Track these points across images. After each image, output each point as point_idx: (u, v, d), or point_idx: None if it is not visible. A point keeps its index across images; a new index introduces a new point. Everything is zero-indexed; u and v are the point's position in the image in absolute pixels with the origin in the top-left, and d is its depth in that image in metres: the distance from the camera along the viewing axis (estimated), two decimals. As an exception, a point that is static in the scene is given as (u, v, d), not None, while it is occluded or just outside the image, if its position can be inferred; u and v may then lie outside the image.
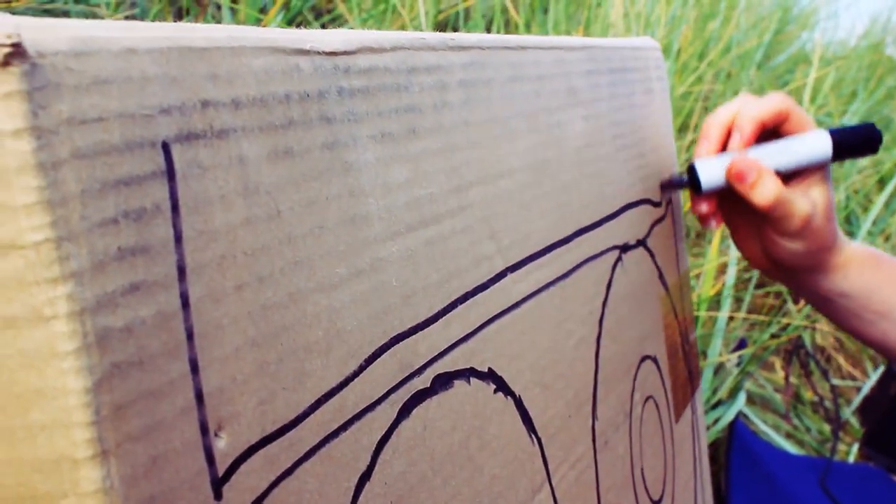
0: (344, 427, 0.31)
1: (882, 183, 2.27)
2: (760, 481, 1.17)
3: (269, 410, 0.27)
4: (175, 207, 0.24)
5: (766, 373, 1.51)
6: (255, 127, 0.28)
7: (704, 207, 0.66)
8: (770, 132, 0.66)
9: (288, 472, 0.28)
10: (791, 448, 1.35)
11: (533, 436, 0.45)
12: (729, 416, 1.27)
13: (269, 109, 0.29)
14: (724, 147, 0.66)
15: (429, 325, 0.36)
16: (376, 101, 0.34)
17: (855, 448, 1.38)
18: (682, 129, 1.88)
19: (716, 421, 1.28)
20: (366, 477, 0.32)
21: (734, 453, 1.20)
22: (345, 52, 0.33)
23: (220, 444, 0.26)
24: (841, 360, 1.65)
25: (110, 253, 0.22)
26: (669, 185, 0.69)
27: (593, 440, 0.52)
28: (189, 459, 0.24)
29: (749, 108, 0.65)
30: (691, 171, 0.65)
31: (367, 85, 0.34)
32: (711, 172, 0.64)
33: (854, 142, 0.65)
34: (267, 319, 0.28)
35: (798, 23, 3.16)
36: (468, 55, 0.41)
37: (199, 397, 0.25)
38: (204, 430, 0.25)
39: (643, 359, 0.62)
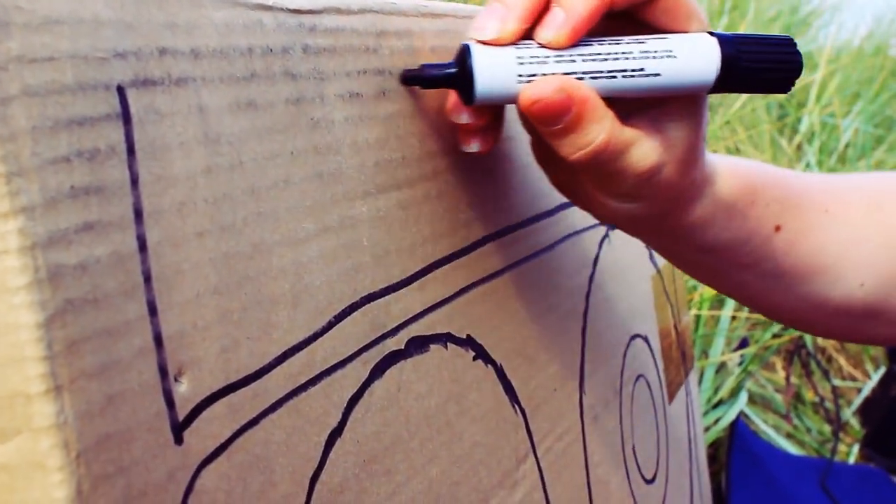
0: (312, 382, 0.31)
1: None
2: (761, 482, 1.17)
3: (232, 359, 0.27)
4: (131, 150, 0.25)
5: (767, 373, 1.51)
6: (216, 77, 0.28)
7: (466, 118, 0.39)
8: (620, 14, 0.39)
9: (253, 423, 0.28)
10: (792, 448, 1.34)
11: (516, 406, 0.45)
12: (730, 415, 1.27)
13: (231, 61, 0.29)
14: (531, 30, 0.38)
15: (402, 287, 0.36)
16: (343, 61, 0.34)
17: (855, 449, 1.37)
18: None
19: (717, 420, 1.27)
20: (336, 433, 0.32)
21: (735, 453, 1.19)
22: (310, 11, 0.33)
23: (181, 389, 0.26)
24: (842, 360, 1.64)
25: (63, 190, 0.23)
26: (418, 78, 0.38)
27: (581, 414, 0.52)
28: (147, 401, 0.24)
29: None
30: (462, 61, 0.37)
31: (334, 44, 0.34)
32: (496, 76, 0.37)
33: (758, 64, 0.40)
34: (230, 268, 0.28)
35: (803, 24, 3.15)
36: (442, 22, 0.41)
37: (158, 340, 0.25)
38: (163, 372, 0.25)
39: (633, 337, 0.62)
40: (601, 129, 0.38)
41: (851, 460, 1.35)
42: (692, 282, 1.39)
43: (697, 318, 1.33)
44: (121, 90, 0.25)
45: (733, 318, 1.44)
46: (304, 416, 0.30)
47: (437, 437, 0.38)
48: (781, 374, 1.52)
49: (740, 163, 0.49)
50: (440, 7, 0.41)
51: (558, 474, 0.49)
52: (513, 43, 0.37)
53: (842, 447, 1.38)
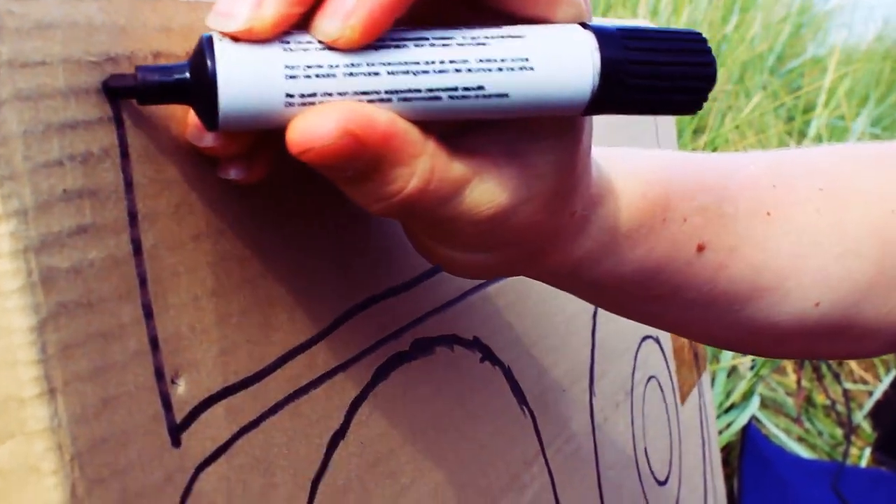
0: (314, 384, 0.31)
1: None
2: (773, 485, 1.16)
3: (231, 361, 0.27)
4: (125, 154, 0.25)
5: (778, 377, 1.50)
6: (212, 81, 0.28)
7: (211, 141, 0.26)
8: None
9: (253, 425, 0.28)
10: (803, 452, 1.33)
11: (524, 408, 0.45)
12: (742, 419, 1.26)
13: (227, 64, 0.29)
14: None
15: (407, 290, 0.36)
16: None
17: (867, 452, 1.36)
18: (696, 132, 1.87)
19: (729, 425, 1.27)
20: (339, 435, 0.32)
21: (747, 457, 1.19)
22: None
23: (178, 391, 0.26)
24: (853, 364, 1.63)
25: (55, 194, 0.23)
26: (131, 88, 0.24)
27: (591, 416, 0.52)
28: (144, 403, 0.24)
29: None
30: (200, 64, 0.24)
31: (334, 47, 0.34)
32: (252, 90, 0.24)
33: (653, 73, 0.27)
34: (228, 271, 0.28)
35: (811, 26, 3.14)
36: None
37: (154, 342, 0.25)
38: (160, 375, 0.25)
39: (644, 338, 0.62)
40: (413, 173, 0.26)
41: (863, 464, 1.35)
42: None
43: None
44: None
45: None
46: (306, 418, 0.30)
47: (444, 439, 0.38)
48: (793, 377, 1.51)
49: (647, 167, 0.37)
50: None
51: (568, 476, 0.48)
52: (278, 38, 0.24)
53: (853, 450, 1.37)
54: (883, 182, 0.41)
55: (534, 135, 0.29)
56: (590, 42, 0.26)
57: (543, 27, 0.27)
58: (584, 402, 0.51)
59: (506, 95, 0.26)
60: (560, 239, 0.33)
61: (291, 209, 0.31)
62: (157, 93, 0.24)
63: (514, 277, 0.45)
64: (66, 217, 0.23)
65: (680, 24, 2.21)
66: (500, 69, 0.25)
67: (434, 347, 0.38)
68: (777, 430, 1.36)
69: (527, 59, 0.26)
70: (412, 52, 0.25)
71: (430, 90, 0.25)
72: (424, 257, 0.33)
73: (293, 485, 0.30)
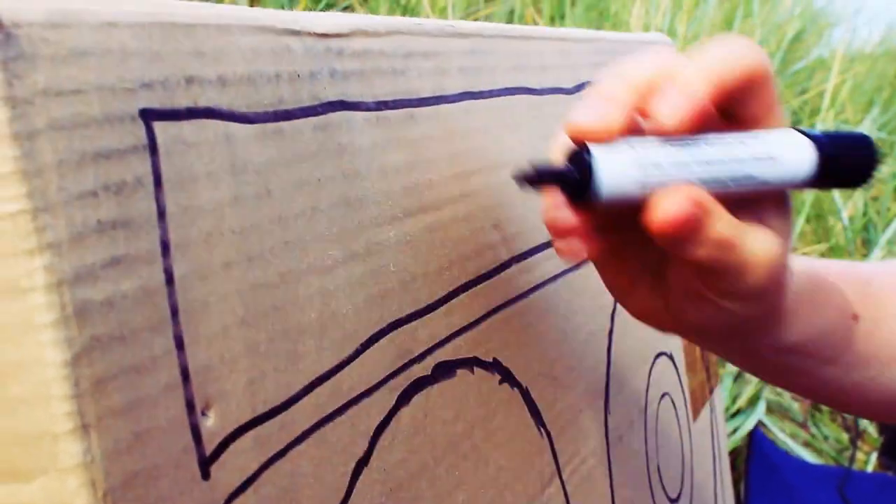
0: (339, 411, 0.31)
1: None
2: (779, 490, 1.16)
3: (259, 391, 0.27)
4: (158, 182, 0.24)
5: (784, 381, 1.50)
6: (243, 105, 0.28)
7: (571, 221, 0.35)
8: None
9: (280, 455, 0.28)
10: (809, 457, 1.33)
11: (542, 429, 0.44)
12: (748, 425, 1.26)
13: (258, 88, 0.28)
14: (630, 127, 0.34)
15: (429, 313, 0.36)
16: (371, 84, 0.34)
17: (873, 457, 1.36)
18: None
19: (735, 430, 1.27)
20: (363, 462, 0.31)
21: (753, 462, 1.19)
22: (337, 35, 0.32)
23: (208, 423, 0.25)
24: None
25: (89, 225, 0.22)
26: (533, 177, 0.34)
27: (606, 435, 0.52)
28: (175, 437, 0.24)
29: (705, 60, 0.34)
30: (581, 163, 0.33)
31: (362, 68, 0.33)
32: (619, 176, 0.33)
33: (846, 162, 0.38)
34: (257, 299, 0.27)
35: (815, 30, 3.14)
36: (468, 42, 0.41)
37: (185, 374, 0.25)
38: (190, 407, 0.25)
39: (658, 355, 0.62)
40: (722, 228, 0.35)
41: (869, 469, 1.34)
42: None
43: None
44: (148, 121, 0.24)
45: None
46: (331, 446, 0.30)
47: (464, 463, 0.38)
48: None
49: (802, 258, 0.47)
50: (467, 27, 0.41)
51: (584, 496, 0.48)
52: (624, 140, 0.34)
53: (860, 455, 1.37)
54: None
55: (767, 207, 0.38)
56: (808, 143, 0.37)
57: (775, 132, 0.37)
58: (600, 421, 0.51)
59: (766, 182, 0.36)
60: (783, 299, 0.40)
61: (320, 235, 0.30)
62: (548, 180, 0.34)
63: (537, 297, 0.44)
64: (99, 249, 0.22)
65: (683, 29, 2.21)
66: (760, 161, 0.36)
67: (455, 371, 0.38)
68: (783, 436, 1.35)
69: (773, 156, 0.36)
70: (707, 150, 0.35)
71: (723, 179, 0.35)
72: (683, 319, 0.40)
73: (319, 514, 0.29)
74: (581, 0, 2.11)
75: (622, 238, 0.38)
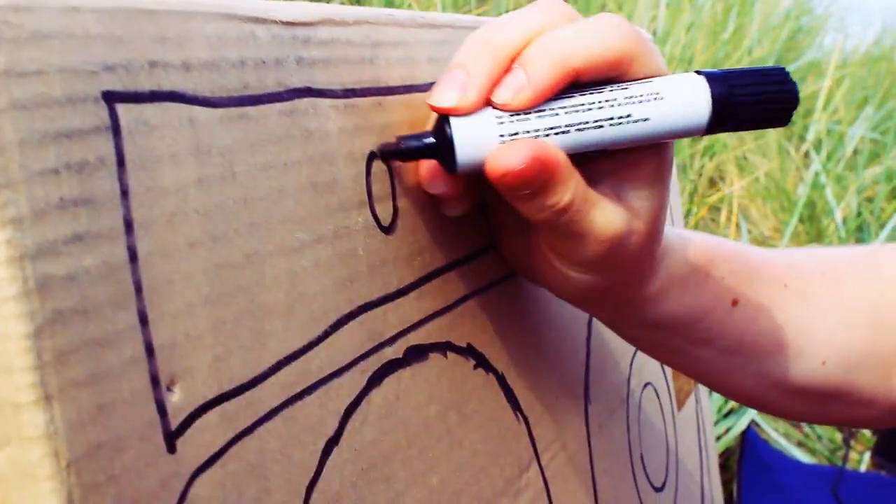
0: (308, 391, 0.31)
1: (894, 190, 2.26)
2: (772, 490, 1.17)
3: (225, 368, 0.28)
4: (121, 162, 0.25)
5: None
6: (207, 90, 0.28)
7: (443, 188, 0.38)
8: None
9: (247, 431, 0.28)
10: (803, 457, 1.34)
11: (519, 414, 0.45)
12: (741, 424, 1.27)
13: (222, 73, 0.29)
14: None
15: (400, 297, 0.37)
16: (339, 72, 0.34)
17: (867, 457, 1.37)
18: (696, 138, 1.88)
19: (728, 430, 1.27)
20: (333, 441, 0.32)
21: (746, 462, 1.19)
22: (304, 24, 0.33)
23: (174, 398, 0.26)
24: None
25: (51, 202, 0.23)
26: (398, 152, 0.36)
27: (586, 423, 0.52)
28: (139, 410, 0.25)
29: (559, 38, 0.35)
30: (442, 133, 0.35)
31: (329, 56, 0.34)
32: (477, 144, 0.35)
33: (751, 99, 0.37)
34: (222, 278, 0.28)
35: (809, 31, 3.15)
36: (439, 33, 0.41)
37: (150, 350, 0.25)
38: (155, 382, 0.25)
39: (640, 345, 0.62)
40: (567, 190, 0.35)
41: (863, 468, 1.35)
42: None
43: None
44: (110, 103, 0.25)
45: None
46: (300, 424, 0.31)
47: (438, 446, 0.38)
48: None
49: (693, 236, 0.47)
50: (438, 18, 0.42)
51: (563, 482, 0.49)
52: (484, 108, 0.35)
53: (853, 455, 1.37)
54: (875, 270, 0.51)
55: (633, 183, 0.38)
56: (702, 81, 0.37)
57: (667, 76, 0.37)
58: (580, 408, 0.52)
59: (647, 119, 0.36)
60: (644, 275, 0.42)
61: (286, 217, 0.31)
62: (413, 153, 0.36)
63: (513, 284, 0.45)
64: (61, 225, 0.23)
65: (677, 30, 2.21)
66: (640, 101, 0.36)
67: (428, 354, 0.38)
68: (777, 435, 1.36)
69: (658, 93, 0.36)
70: (579, 98, 0.35)
71: (596, 121, 0.36)
72: (540, 279, 0.42)
73: (287, 491, 0.30)
74: (575, 2, 2.12)
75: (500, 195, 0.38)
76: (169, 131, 0.27)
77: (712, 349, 0.47)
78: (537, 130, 0.35)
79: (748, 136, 2.13)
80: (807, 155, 2.35)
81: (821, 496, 1.19)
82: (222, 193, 0.28)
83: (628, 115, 0.36)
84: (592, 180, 0.38)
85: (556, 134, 0.35)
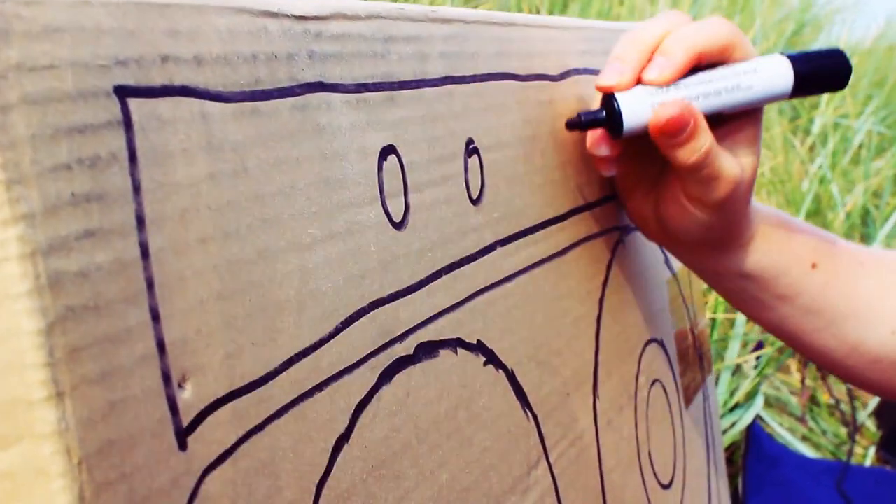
0: (319, 387, 0.31)
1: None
2: (777, 484, 1.16)
3: (237, 364, 0.27)
4: (133, 157, 0.25)
5: (782, 375, 1.50)
6: (219, 84, 0.28)
7: (606, 150, 0.51)
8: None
9: (258, 428, 0.28)
10: (808, 451, 1.33)
11: (528, 411, 0.45)
12: (746, 418, 1.26)
13: (234, 68, 0.29)
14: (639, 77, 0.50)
15: (411, 293, 0.36)
16: (351, 67, 0.34)
17: (872, 451, 1.36)
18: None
19: (733, 424, 1.27)
20: (344, 439, 0.32)
21: (751, 456, 1.19)
22: (316, 18, 0.33)
23: (185, 395, 0.26)
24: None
25: (63, 198, 0.23)
26: (579, 124, 0.49)
27: (595, 419, 0.52)
28: (151, 407, 0.24)
29: (684, 32, 0.49)
30: (610, 106, 0.48)
31: (341, 51, 0.34)
32: (636, 112, 0.48)
33: (819, 72, 0.51)
34: (234, 274, 0.28)
35: (814, 25, 3.14)
36: (450, 28, 0.41)
37: (161, 346, 0.25)
38: (166, 379, 0.25)
39: (649, 342, 0.62)
40: (707, 138, 0.48)
41: (867, 463, 1.35)
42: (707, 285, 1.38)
43: (713, 321, 1.33)
44: (122, 97, 0.25)
45: (748, 320, 1.44)
46: (311, 421, 0.30)
47: (447, 443, 0.38)
48: (797, 376, 1.51)
49: (774, 209, 0.57)
50: (449, 12, 0.41)
51: (571, 480, 0.48)
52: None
53: (858, 450, 1.37)
54: None
55: (739, 144, 0.52)
56: (785, 60, 0.51)
57: (760, 58, 0.51)
58: (588, 405, 0.51)
59: (750, 87, 0.50)
60: (742, 222, 0.54)
61: (298, 213, 0.31)
62: (591, 123, 0.49)
63: (523, 281, 0.45)
64: (74, 221, 0.23)
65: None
66: (745, 74, 0.50)
67: (438, 351, 0.38)
68: (781, 430, 1.36)
69: (756, 70, 0.50)
70: (702, 76, 0.49)
71: (716, 90, 0.49)
72: (667, 224, 0.54)
73: (298, 488, 0.30)
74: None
75: (640, 160, 0.54)
76: (181, 126, 0.26)
77: (795, 306, 0.56)
78: (677, 98, 0.48)
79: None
80: (812, 148, 2.34)
81: (825, 491, 1.19)
82: (234, 189, 0.28)
83: (737, 84, 0.49)
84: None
85: (691, 100, 0.48)
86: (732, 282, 0.56)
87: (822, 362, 0.59)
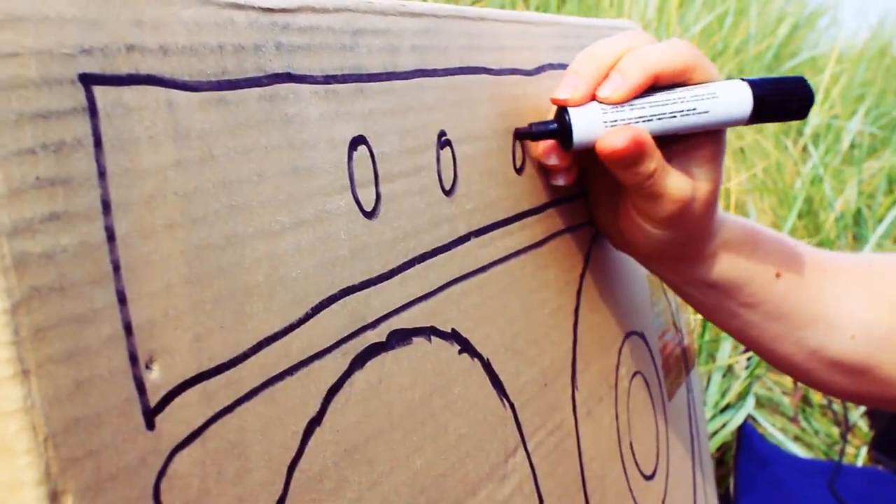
0: (289, 371, 0.31)
1: (891, 184, 2.26)
2: (769, 485, 1.17)
3: (205, 347, 0.28)
4: (98, 143, 0.25)
5: (774, 376, 1.50)
6: (186, 74, 0.29)
7: (555, 160, 0.51)
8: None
9: (227, 410, 0.29)
10: (799, 451, 1.34)
11: (504, 399, 0.45)
12: (738, 419, 1.27)
13: (201, 58, 0.29)
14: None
15: (383, 281, 0.37)
16: (319, 59, 0.35)
17: (864, 451, 1.37)
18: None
19: (724, 424, 1.27)
20: (315, 422, 0.32)
21: (742, 456, 1.20)
22: (283, 10, 0.33)
23: (152, 376, 0.26)
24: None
25: (28, 181, 0.23)
26: (529, 134, 0.49)
27: (574, 409, 0.53)
28: (117, 387, 0.25)
29: (642, 52, 0.49)
30: (561, 119, 0.49)
31: (309, 43, 0.34)
32: (586, 127, 0.48)
33: (779, 99, 0.50)
34: (201, 259, 0.28)
35: (807, 26, 3.15)
36: (421, 22, 0.42)
37: (128, 328, 0.26)
38: (133, 359, 0.26)
39: (629, 334, 0.63)
40: (652, 163, 0.49)
41: (860, 463, 1.35)
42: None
43: (704, 322, 1.33)
44: (87, 85, 0.25)
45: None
46: (281, 405, 0.31)
47: (421, 429, 0.39)
48: (789, 377, 1.52)
49: (743, 219, 0.58)
50: (420, 7, 0.42)
51: (550, 468, 0.49)
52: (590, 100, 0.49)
53: (850, 450, 1.37)
54: None
55: (697, 161, 0.52)
56: (745, 86, 0.50)
57: (720, 82, 0.51)
58: (567, 395, 0.52)
59: (707, 112, 0.49)
60: (702, 235, 0.54)
61: (266, 200, 0.31)
62: (541, 135, 0.49)
63: (498, 271, 0.45)
64: (38, 204, 0.23)
65: (673, 26, 2.22)
66: (702, 99, 0.49)
67: (411, 338, 0.39)
68: (773, 430, 1.36)
69: (714, 94, 0.50)
70: (659, 96, 0.49)
71: (671, 112, 0.49)
72: (626, 238, 0.55)
73: (268, 470, 0.30)
74: (570, 1, 2.13)
75: (602, 171, 0.52)
76: (146, 114, 0.27)
77: (759, 313, 0.57)
78: (629, 118, 0.48)
79: (746, 130, 2.13)
80: (805, 149, 2.35)
81: (817, 491, 1.19)
82: (201, 176, 0.29)
83: (693, 108, 0.49)
84: (667, 158, 0.50)
85: (644, 121, 0.49)
86: (697, 290, 0.58)
87: (783, 367, 0.61)
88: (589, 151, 0.50)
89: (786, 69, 2.70)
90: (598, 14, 1.96)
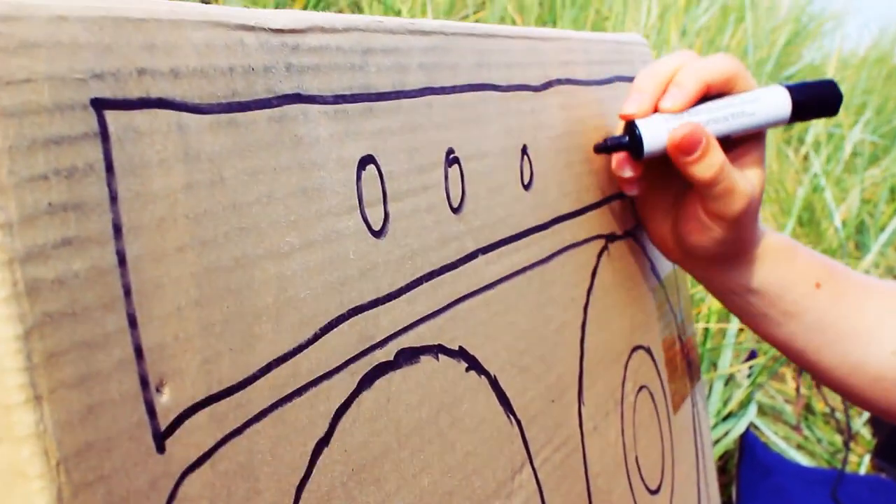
0: (298, 392, 0.32)
1: (893, 192, 2.26)
2: (771, 493, 1.16)
3: (214, 370, 0.28)
4: (109, 168, 0.25)
5: (776, 384, 1.50)
6: (196, 97, 0.29)
7: (630, 172, 0.58)
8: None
9: (237, 432, 0.29)
10: (802, 459, 1.34)
11: (511, 416, 0.45)
12: (740, 427, 1.27)
13: (211, 81, 0.29)
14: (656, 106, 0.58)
15: (391, 300, 0.37)
16: (329, 79, 0.35)
17: (866, 459, 1.36)
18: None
19: (727, 433, 1.27)
20: (324, 442, 0.33)
21: (744, 465, 1.19)
22: (293, 31, 0.34)
23: (163, 399, 0.26)
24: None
25: (40, 207, 0.23)
26: (605, 148, 0.57)
27: (580, 425, 0.53)
28: (128, 410, 0.25)
29: (694, 66, 0.56)
30: (631, 132, 0.56)
31: (319, 63, 0.35)
32: (654, 136, 0.55)
33: (814, 100, 0.58)
34: (211, 282, 0.28)
35: (807, 34, 3.15)
36: (429, 40, 0.42)
37: (139, 352, 0.26)
38: (144, 383, 0.26)
39: (635, 348, 0.63)
40: (719, 155, 0.55)
41: (862, 471, 1.35)
42: (698, 294, 1.39)
43: (706, 331, 1.33)
44: (99, 110, 0.25)
45: (741, 330, 1.44)
46: (290, 425, 0.31)
47: (429, 448, 0.39)
48: (791, 384, 1.52)
49: (780, 233, 0.62)
50: (429, 24, 0.42)
51: (557, 484, 0.49)
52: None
53: (853, 458, 1.37)
54: None
55: (748, 167, 0.59)
56: (784, 90, 0.58)
57: (761, 88, 0.58)
58: (573, 411, 0.52)
59: (753, 114, 0.57)
60: (751, 239, 0.60)
61: (276, 222, 0.31)
62: (616, 147, 0.57)
63: (505, 287, 0.45)
64: (51, 229, 0.24)
65: (674, 35, 2.22)
66: (747, 102, 0.57)
67: (419, 357, 0.39)
68: (776, 438, 1.36)
69: (757, 98, 0.57)
70: (711, 104, 0.57)
71: (723, 116, 0.57)
72: (683, 240, 0.61)
73: (277, 490, 0.30)
74: (571, 6, 2.13)
75: (660, 184, 0.61)
76: (158, 137, 0.27)
77: (802, 323, 0.60)
78: (687, 123, 0.55)
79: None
80: (806, 158, 2.35)
81: (820, 499, 1.19)
82: (211, 198, 0.29)
83: (741, 111, 0.57)
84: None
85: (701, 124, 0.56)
86: (742, 297, 0.62)
87: (826, 380, 0.62)
88: (650, 165, 0.58)
89: (786, 76, 2.71)
90: (599, 23, 1.96)
